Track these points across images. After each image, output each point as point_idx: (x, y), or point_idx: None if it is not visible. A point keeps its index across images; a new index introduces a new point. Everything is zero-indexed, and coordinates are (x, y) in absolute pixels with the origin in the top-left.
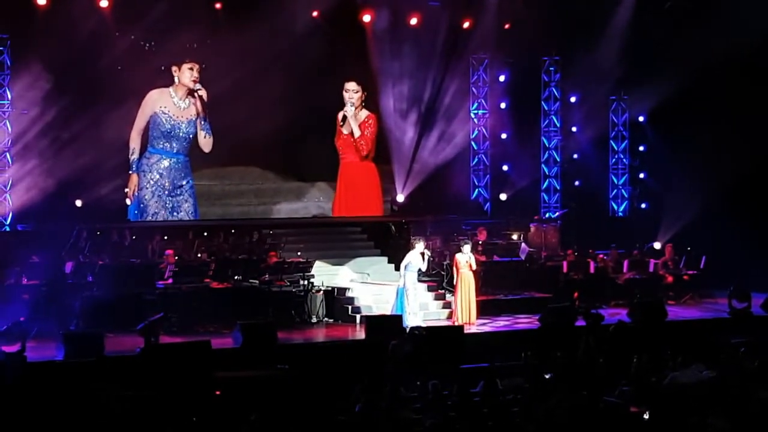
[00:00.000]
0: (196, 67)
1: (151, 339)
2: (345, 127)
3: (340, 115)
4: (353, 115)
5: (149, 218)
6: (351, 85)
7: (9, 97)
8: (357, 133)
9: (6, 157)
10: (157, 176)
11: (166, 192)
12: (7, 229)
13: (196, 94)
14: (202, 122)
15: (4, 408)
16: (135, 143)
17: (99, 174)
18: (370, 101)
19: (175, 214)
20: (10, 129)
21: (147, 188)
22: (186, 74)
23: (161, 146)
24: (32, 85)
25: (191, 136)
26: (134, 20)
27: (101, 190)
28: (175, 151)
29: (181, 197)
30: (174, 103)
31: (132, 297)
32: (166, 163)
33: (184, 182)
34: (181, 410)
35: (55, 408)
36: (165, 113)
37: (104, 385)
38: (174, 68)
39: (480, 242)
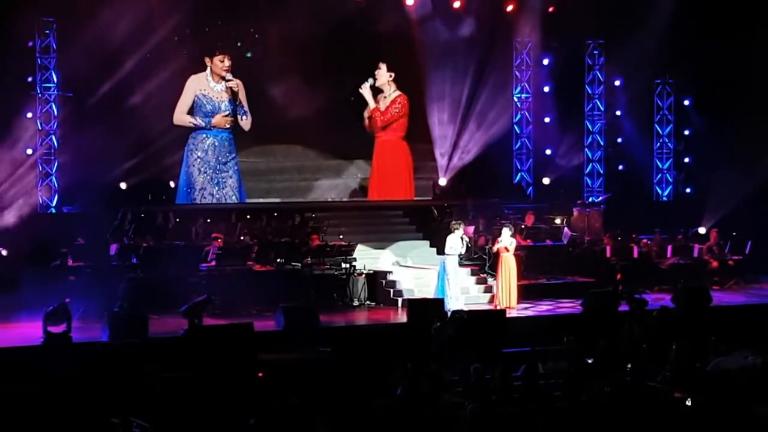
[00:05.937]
0: (227, 57)
1: (194, 321)
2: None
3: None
4: (368, 88)
5: (197, 193)
6: (380, 65)
7: (55, 80)
8: (372, 104)
9: (52, 139)
10: (203, 153)
11: (212, 168)
12: (53, 211)
13: (225, 85)
14: (237, 107)
15: (50, 388)
16: (185, 117)
17: (143, 157)
18: (412, 83)
19: (220, 189)
20: (56, 112)
21: (194, 166)
22: (218, 65)
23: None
24: (78, 69)
25: (233, 114)
26: (177, 6)
27: (146, 172)
28: (219, 129)
29: (226, 173)
30: (211, 86)
31: (176, 279)
32: (210, 140)
33: (229, 158)
34: (224, 392)
35: (99, 388)
36: (205, 95)
37: (149, 365)
38: (206, 59)
39: (524, 227)
